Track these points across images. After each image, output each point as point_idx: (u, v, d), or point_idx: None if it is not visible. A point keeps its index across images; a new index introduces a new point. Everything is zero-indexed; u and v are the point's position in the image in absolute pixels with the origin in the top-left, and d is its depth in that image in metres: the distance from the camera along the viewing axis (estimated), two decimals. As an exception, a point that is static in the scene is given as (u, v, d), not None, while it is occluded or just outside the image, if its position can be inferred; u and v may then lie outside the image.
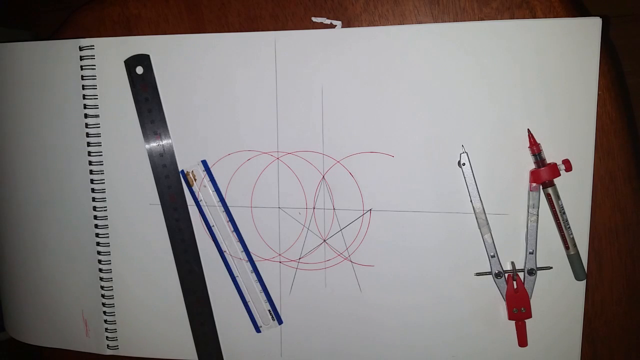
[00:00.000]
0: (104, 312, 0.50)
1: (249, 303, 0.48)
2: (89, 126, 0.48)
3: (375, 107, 0.44)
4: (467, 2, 0.43)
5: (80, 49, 0.47)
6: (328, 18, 0.45)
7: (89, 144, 0.48)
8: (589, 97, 0.41)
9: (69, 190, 0.50)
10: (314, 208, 0.46)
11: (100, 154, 0.48)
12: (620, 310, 0.45)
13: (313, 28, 0.46)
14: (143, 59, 0.46)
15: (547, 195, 0.42)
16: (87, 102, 0.47)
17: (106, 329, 0.51)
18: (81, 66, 0.47)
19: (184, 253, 0.48)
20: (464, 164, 0.43)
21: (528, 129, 0.42)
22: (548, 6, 0.42)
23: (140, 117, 0.47)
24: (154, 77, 0.47)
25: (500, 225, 0.43)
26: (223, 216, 0.48)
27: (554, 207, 0.42)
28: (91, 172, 0.48)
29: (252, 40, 0.45)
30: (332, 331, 0.48)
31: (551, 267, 0.43)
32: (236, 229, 0.47)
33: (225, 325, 0.49)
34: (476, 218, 0.43)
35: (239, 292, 0.48)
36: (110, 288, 0.50)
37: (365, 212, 0.45)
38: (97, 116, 0.48)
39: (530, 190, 0.42)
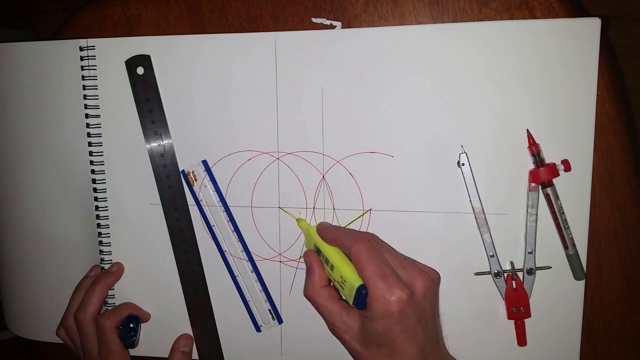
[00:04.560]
0: (105, 310, 0.50)
1: (249, 302, 0.49)
2: (90, 126, 0.48)
3: (375, 107, 0.44)
4: (467, 3, 0.43)
5: (81, 49, 0.47)
6: (328, 19, 0.46)
7: (90, 144, 0.48)
8: (588, 97, 0.41)
9: (71, 190, 0.50)
10: (314, 208, 0.46)
11: (102, 154, 0.48)
12: (620, 310, 0.45)
13: (313, 29, 0.46)
14: (144, 60, 0.47)
15: (546, 195, 0.42)
16: (88, 102, 0.48)
17: (107, 328, 0.51)
18: (82, 66, 0.47)
19: (184, 253, 0.48)
20: (463, 164, 0.43)
21: (527, 129, 0.42)
22: (547, 7, 0.42)
23: (141, 117, 0.47)
24: (155, 78, 0.47)
25: (499, 225, 0.44)
26: (223, 216, 0.48)
27: (553, 207, 0.42)
28: (92, 172, 0.48)
29: (253, 40, 0.45)
30: (332, 330, 0.48)
31: (550, 267, 0.44)
32: (236, 229, 0.48)
33: (225, 324, 0.50)
34: (475, 218, 0.43)
35: (239, 292, 0.48)
36: (112, 287, 0.50)
37: (365, 212, 0.45)
38: (98, 116, 0.48)
39: (530, 190, 0.42)
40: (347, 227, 0.46)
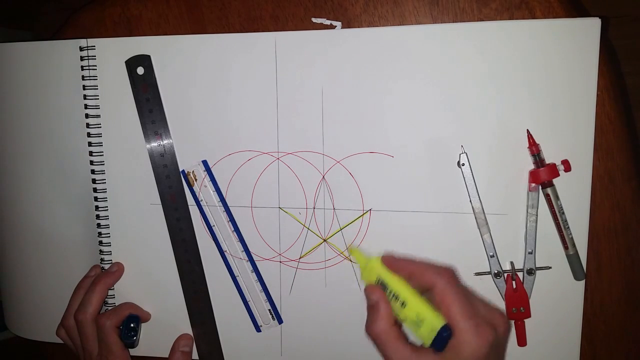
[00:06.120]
0: (106, 310, 0.50)
1: (249, 302, 0.49)
2: (90, 126, 0.48)
3: (375, 107, 0.44)
4: (467, 3, 0.43)
5: (81, 49, 0.47)
6: (328, 19, 0.46)
7: (90, 144, 0.48)
8: (588, 97, 0.41)
9: (71, 190, 0.50)
10: (314, 208, 0.46)
11: (102, 154, 0.48)
12: (620, 310, 0.45)
13: (313, 29, 0.46)
14: (144, 60, 0.47)
15: (546, 196, 0.42)
16: (88, 102, 0.48)
17: (107, 328, 0.51)
18: (82, 66, 0.47)
19: (184, 253, 0.48)
20: (463, 164, 0.43)
21: (527, 129, 0.42)
22: (547, 7, 0.42)
23: (141, 117, 0.47)
24: (155, 78, 0.47)
25: (499, 225, 0.44)
26: (224, 216, 0.48)
27: (553, 207, 0.42)
28: (93, 172, 0.48)
29: (253, 40, 0.45)
30: (332, 331, 0.48)
31: (550, 267, 0.44)
32: (236, 229, 0.48)
33: (225, 324, 0.50)
34: (475, 218, 0.43)
35: (239, 292, 0.48)
36: (112, 287, 0.50)
37: (365, 212, 0.45)
38: (98, 116, 0.48)
39: (530, 191, 0.42)
40: (347, 227, 0.46)
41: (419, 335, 0.36)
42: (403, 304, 0.36)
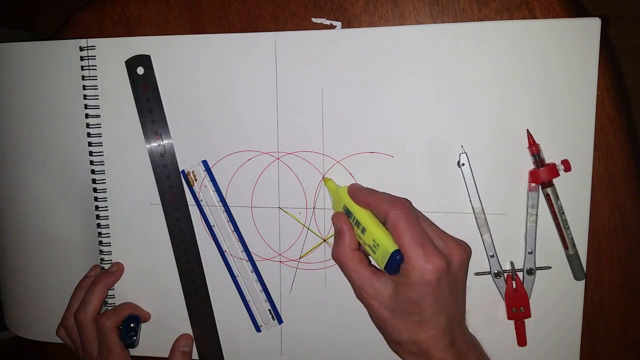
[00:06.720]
0: (106, 310, 0.51)
1: (249, 302, 0.49)
2: (90, 126, 0.48)
3: (375, 107, 0.44)
4: (467, 3, 0.43)
5: (81, 49, 0.47)
6: (328, 19, 0.46)
7: (90, 144, 0.48)
8: (588, 97, 0.41)
9: (71, 190, 0.50)
10: (314, 208, 0.46)
11: (102, 154, 0.48)
12: (620, 310, 0.45)
13: (313, 29, 0.46)
14: (144, 60, 0.47)
15: (546, 196, 0.42)
16: (88, 102, 0.48)
17: (107, 328, 0.51)
18: (82, 66, 0.47)
19: (184, 253, 0.48)
20: (463, 164, 0.43)
21: (527, 129, 0.42)
22: (547, 7, 0.42)
23: (141, 117, 0.47)
24: (155, 78, 0.47)
25: (499, 225, 0.44)
26: (223, 216, 0.48)
27: (553, 207, 0.42)
28: (92, 172, 0.48)
29: (253, 40, 0.45)
30: (332, 331, 0.48)
31: (550, 267, 0.44)
32: (236, 229, 0.48)
33: (225, 324, 0.50)
34: (475, 218, 0.43)
35: (239, 292, 0.48)
36: (112, 287, 0.50)
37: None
38: (98, 116, 0.48)
39: (530, 191, 0.42)
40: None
41: (375, 259, 0.39)
42: (363, 230, 0.39)
